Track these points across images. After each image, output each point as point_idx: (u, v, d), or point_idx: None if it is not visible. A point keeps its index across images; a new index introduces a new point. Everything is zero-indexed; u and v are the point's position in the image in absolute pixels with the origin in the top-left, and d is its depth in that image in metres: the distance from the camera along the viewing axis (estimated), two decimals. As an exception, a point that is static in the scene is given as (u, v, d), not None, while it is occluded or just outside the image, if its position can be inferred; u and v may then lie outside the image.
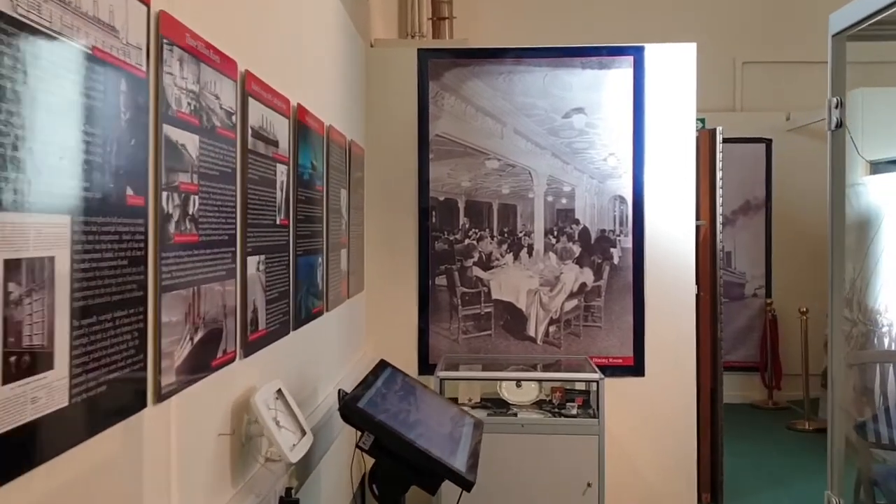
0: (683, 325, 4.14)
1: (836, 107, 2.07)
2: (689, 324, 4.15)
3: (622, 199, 4.18)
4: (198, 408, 1.76)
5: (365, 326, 4.07)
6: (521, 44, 4.32)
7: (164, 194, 1.56)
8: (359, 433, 2.41)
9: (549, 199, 4.21)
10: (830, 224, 2.24)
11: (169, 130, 1.58)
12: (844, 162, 2.17)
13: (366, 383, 2.56)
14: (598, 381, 3.59)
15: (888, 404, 3.94)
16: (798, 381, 6.63)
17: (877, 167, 5.44)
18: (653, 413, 4.11)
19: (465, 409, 3.35)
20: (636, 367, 4.15)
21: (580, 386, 3.89)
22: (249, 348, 2.10)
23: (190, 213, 1.70)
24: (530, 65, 4.18)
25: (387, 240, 4.17)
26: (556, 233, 4.20)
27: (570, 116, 4.18)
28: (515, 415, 3.65)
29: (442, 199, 4.21)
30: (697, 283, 4.21)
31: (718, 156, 4.52)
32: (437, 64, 4.20)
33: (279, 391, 2.17)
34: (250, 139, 2.10)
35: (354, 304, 3.69)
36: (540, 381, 3.85)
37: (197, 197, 1.73)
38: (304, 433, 2.19)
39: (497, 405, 3.76)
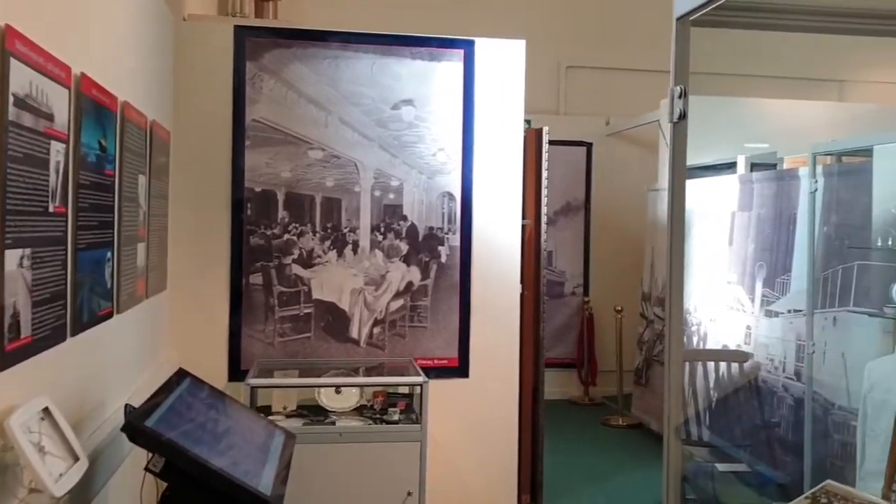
0: (508, 325, 4.10)
1: (680, 96, 2.02)
2: (514, 323, 4.12)
3: (451, 196, 4.07)
4: (-77, 439, 1.41)
5: (168, 329, 3.67)
6: (349, 33, 4.08)
7: None
8: (149, 454, 2.11)
9: (377, 193, 4.02)
10: (670, 216, 2.20)
11: None
12: (686, 154, 2.13)
13: (158, 397, 2.25)
14: (421, 385, 3.46)
15: (698, 403, 4.10)
16: (612, 378, 6.88)
17: (689, 172, 5.71)
18: (477, 415, 4.03)
19: (276, 420, 3.09)
20: (461, 368, 4.06)
21: (404, 389, 3.73)
22: (7, 360, 1.74)
23: (-85, 194, 1.34)
24: (358, 51, 3.96)
25: (195, 233, 3.79)
26: (382, 229, 4.02)
27: (398, 108, 4.01)
28: (334, 423, 3.44)
29: (259, 189, 3.89)
30: (522, 281, 4.18)
31: (544, 156, 4.52)
32: (256, 44, 3.88)
33: (46, 410, 1.82)
34: (12, 108, 1.74)
35: (154, 304, 3.30)
36: (360, 385, 3.65)
37: (-74, 174, 1.38)
38: (76, 459, 1.86)
39: (315, 413, 3.53)
